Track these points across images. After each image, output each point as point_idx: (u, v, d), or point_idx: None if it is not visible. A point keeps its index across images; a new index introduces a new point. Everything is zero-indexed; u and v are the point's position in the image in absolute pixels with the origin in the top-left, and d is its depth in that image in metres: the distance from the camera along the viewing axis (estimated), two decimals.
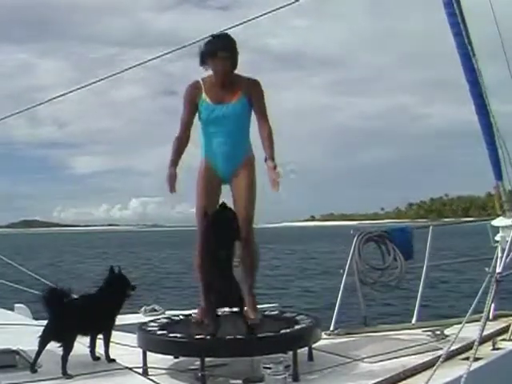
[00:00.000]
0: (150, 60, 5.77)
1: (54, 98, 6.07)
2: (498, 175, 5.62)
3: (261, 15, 5.28)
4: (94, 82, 5.82)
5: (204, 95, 4.52)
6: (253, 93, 4.55)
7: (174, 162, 4.53)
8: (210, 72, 4.59)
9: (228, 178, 4.57)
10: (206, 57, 4.53)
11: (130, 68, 5.75)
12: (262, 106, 4.59)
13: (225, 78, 4.53)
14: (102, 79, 5.81)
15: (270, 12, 5.27)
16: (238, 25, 5.24)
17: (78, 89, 5.85)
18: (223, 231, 4.13)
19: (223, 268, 4.13)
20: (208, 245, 4.20)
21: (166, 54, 5.69)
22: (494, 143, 5.45)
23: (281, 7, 5.18)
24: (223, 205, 4.30)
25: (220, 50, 4.47)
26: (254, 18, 5.32)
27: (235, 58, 4.55)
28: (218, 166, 4.55)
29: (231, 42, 4.55)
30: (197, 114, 4.60)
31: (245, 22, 5.30)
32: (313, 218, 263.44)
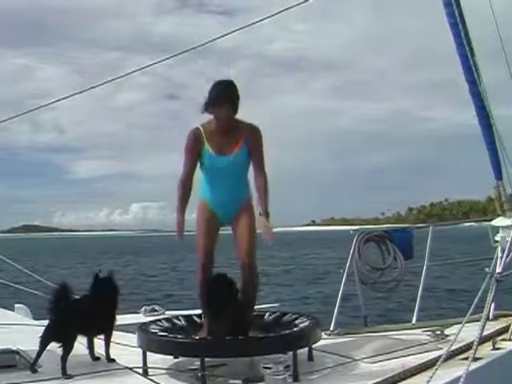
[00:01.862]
0: (150, 65, 5.77)
1: (55, 102, 6.07)
2: (498, 175, 5.62)
3: (264, 18, 5.26)
4: (96, 86, 5.82)
5: (206, 145, 4.53)
6: (252, 141, 4.55)
7: (182, 209, 4.58)
8: (210, 117, 4.59)
9: (228, 222, 4.61)
10: (210, 105, 4.51)
11: (131, 73, 5.75)
12: (260, 155, 4.59)
13: (227, 126, 4.54)
14: (103, 83, 5.81)
15: (274, 15, 5.24)
16: (240, 29, 5.27)
17: (79, 93, 5.85)
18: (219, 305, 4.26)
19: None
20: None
21: (167, 59, 5.68)
22: (493, 143, 5.46)
23: (286, 8, 5.15)
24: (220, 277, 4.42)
25: (224, 98, 4.47)
26: (257, 22, 5.30)
27: (237, 104, 4.56)
28: (219, 211, 4.58)
29: (234, 89, 4.55)
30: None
31: (248, 26, 5.30)
32: (313, 223, 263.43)
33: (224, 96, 4.48)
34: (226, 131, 4.54)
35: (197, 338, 4.23)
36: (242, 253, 4.47)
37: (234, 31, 5.24)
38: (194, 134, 4.58)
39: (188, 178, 4.60)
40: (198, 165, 4.60)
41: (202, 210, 4.61)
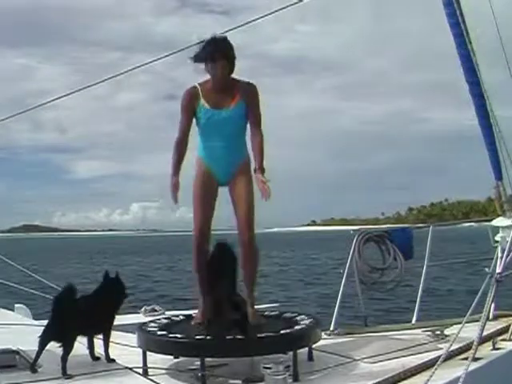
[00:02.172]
0: (149, 63, 5.77)
1: (55, 100, 6.08)
2: (498, 175, 5.62)
3: (262, 16, 5.27)
4: (95, 84, 5.82)
5: (202, 100, 4.50)
6: (250, 98, 4.53)
7: (177, 170, 4.55)
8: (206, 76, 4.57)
9: (226, 182, 4.56)
10: (203, 60, 4.49)
11: (129, 70, 5.75)
12: (257, 112, 4.57)
13: (223, 82, 4.51)
14: (101, 81, 5.81)
15: (271, 13, 5.27)
16: (239, 26, 5.25)
17: (79, 90, 5.85)
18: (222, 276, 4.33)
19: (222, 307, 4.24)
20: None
21: (165, 56, 5.69)
22: (493, 143, 5.46)
23: (282, 8, 5.17)
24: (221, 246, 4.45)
25: (218, 53, 4.44)
26: (255, 20, 5.31)
27: (233, 61, 4.53)
28: (217, 170, 4.54)
29: (229, 46, 4.52)
30: (194, 119, 4.59)
31: (246, 24, 5.30)
32: (314, 223, 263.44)
33: (220, 51, 4.44)
34: (222, 88, 4.50)
35: (197, 337, 4.23)
36: (241, 227, 4.44)
37: (232, 29, 5.24)
38: (189, 91, 4.56)
39: (184, 136, 4.57)
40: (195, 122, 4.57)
41: (199, 172, 4.58)
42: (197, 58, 4.53)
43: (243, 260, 4.49)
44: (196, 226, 4.51)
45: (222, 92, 4.51)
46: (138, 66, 5.69)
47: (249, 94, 4.53)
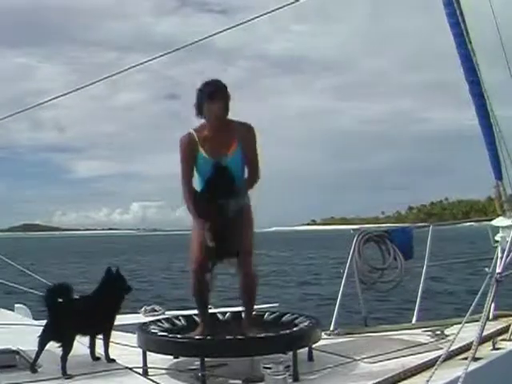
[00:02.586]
0: (147, 61, 5.75)
1: (53, 99, 6.06)
2: (498, 175, 5.62)
3: (259, 16, 5.25)
4: (92, 83, 5.81)
5: (201, 150, 4.44)
6: (246, 141, 4.49)
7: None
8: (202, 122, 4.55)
9: None
10: (203, 98, 4.43)
11: (128, 69, 5.72)
12: (253, 156, 4.54)
13: (220, 124, 4.46)
14: (100, 80, 5.80)
15: (268, 13, 5.25)
16: (237, 25, 5.24)
17: (76, 90, 5.84)
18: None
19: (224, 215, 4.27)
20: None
21: (163, 55, 5.67)
22: (494, 143, 5.46)
23: (279, 8, 5.16)
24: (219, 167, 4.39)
25: (216, 92, 4.41)
26: (252, 19, 5.29)
27: (228, 101, 4.48)
28: None
29: (224, 85, 4.49)
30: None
31: (243, 23, 5.28)
32: (314, 222, 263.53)
33: (218, 90, 4.42)
34: (218, 131, 4.46)
35: (197, 337, 4.23)
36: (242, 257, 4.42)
37: (229, 28, 5.23)
38: (187, 140, 4.49)
39: (192, 187, 4.53)
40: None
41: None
42: (198, 106, 4.47)
43: (242, 286, 4.47)
44: (195, 258, 4.46)
45: (219, 137, 4.45)
46: (136, 65, 5.67)
47: (245, 136, 4.49)
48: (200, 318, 4.57)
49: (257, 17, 5.20)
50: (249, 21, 5.21)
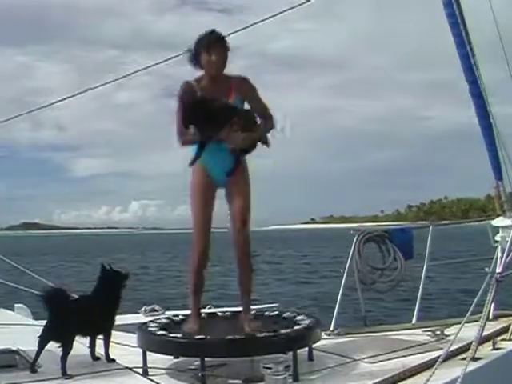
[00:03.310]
0: (153, 65, 5.76)
1: (56, 103, 6.06)
2: (498, 175, 5.62)
3: (267, 18, 5.25)
4: (97, 87, 5.81)
5: (200, 95, 4.40)
6: (246, 92, 4.46)
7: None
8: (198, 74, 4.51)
9: (223, 182, 4.48)
10: (201, 49, 4.39)
11: (134, 73, 5.74)
12: (259, 103, 4.51)
13: (219, 74, 4.43)
14: (103, 84, 5.81)
15: (276, 15, 5.24)
16: (242, 29, 5.25)
17: (80, 93, 5.84)
18: None
19: None
20: None
21: (171, 58, 5.65)
22: (493, 143, 5.46)
23: (290, 8, 5.14)
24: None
25: (217, 40, 4.38)
26: (260, 21, 5.29)
27: (226, 53, 4.45)
28: (215, 171, 4.45)
29: (222, 37, 4.46)
30: None
31: (249, 26, 5.29)
32: (313, 221, 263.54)
33: (216, 41, 4.39)
34: (216, 82, 4.42)
35: (196, 337, 4.23)
36: (236, 225, 4.38)
37: (236, 31, 5.21)
38: (185, 86, 4.46)
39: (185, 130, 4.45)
40: None
41: (196, 174, 4.49)
42: (196, 53, 4.44)
43: (238, 262, 4.43)
44: (197, 247, 4.43)
45: (217, 87, 4.42)
46: (143, 69, 5.67)
47: (244, 87, 4.46)
48: (194, 311, 4.54)
49: (266, 18, 5.19)
50: (257, 23, 5.21)
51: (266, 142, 4.49)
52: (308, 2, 5.13)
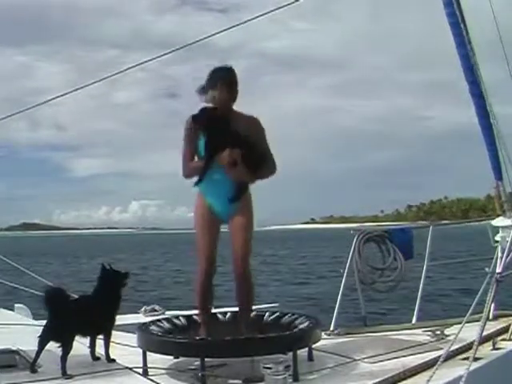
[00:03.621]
0: (147, 61, 5.74)
1: (52, 99, 6.05)
2: (498, 175, 5.62)
3: (259, 15, 5.24)
4: (92, 83, 5.80)
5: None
6: (253, 133, 4.44)
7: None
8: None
9: (226, 217, 4.47)
10: (212, 83, 4.41)
11: (128, 69, 5.72)
12: (263, 143, 4.51)
13: (223, 109, 4.43)
14: (100, 80, 5.79)
15: (268, 13, 5.23)
16: (237, 25, 5.23)
17: (77, 89, 5.83)
18: None
19: None
20: None
21: (164, 55, 5.66)
22: (494, 143, 5.46)
23: (279, 8, 5.15)
24: None
25: (220, 81, 4.39)
26: (252, 19, 5.28)
27: (235, 89, 4.47)
28: (217, 206, 4.46)
29: (232, 74, 4.47)
30: None
31: (243, 23, 5.28)
32: (313, 221, 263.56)
33: (221, 78, 4.40)
34: (224, 116, 4.41)
35: (196, 337, 4.24)
36: (237, 261, 4.39)
37: (228, 28, 5.22)
38: (191, 121, 4.47)
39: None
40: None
41: (200, 206, 4.51)
42: (201, 90, 4.46)
43: (238, 293, 4.46)
44: (201, 267, 4.43)
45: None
46: (136, 65, 5.66)
47: (251, 128, 4.44)
48: (202, 319, 4.56)
49: (257, 16, 5.19)
50: (249, 20, 5.21)
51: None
52: (296, 2, 5.12)
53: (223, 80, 4.40)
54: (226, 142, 4.34)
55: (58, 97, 5.94)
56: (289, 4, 5.07)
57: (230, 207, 4.43)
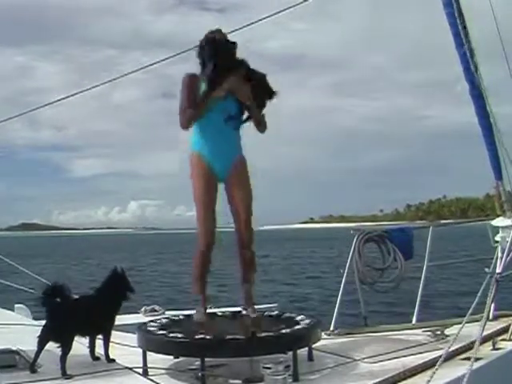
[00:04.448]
0: (151, 64, 5.75)
1: (54, 102, 6.05)
2: (498, 175, 5.62)
3: (264, 18, 5.24)
4: (95, 86, 5.80)
5: (203, 85, 4.38)
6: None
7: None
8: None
9: (224, 176, 4.45)
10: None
11: (131, 73, 5.73)
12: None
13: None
14: (103, 83, 5.80)
15: (273, 14, 5.24)
16: (239, 29, 5.23)
17: (78, 93, 5.83)
18: None
19: None
20: None
21: (169, 58, 5.65)
22: (493, 143, 5.46)
23: (285, 9, 5.15)
24: None
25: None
26: (257, 21, 5.29)
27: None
28: (218, 165, 4.42)
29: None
30: None
31: (247, 26, 5.28)
32: (312, 220, 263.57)
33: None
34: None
35: (196, 337, 4.24)
36: (240, 210, 4.39)
37: (233, 31, 5.22)
38: (190, 75, 4.46)
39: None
40: None
41: (197, 166, 4.44)
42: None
43: (242, 260, 4.48)
44: (202, 237, 4.41)
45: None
46: (140, 69, 5.66)
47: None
48: (202, 299, 4.56)
49: (263, 18, 5.19)
50: (254, 23, 5.21)
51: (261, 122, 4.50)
52: (305, 2, 5.12)
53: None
54: (234, 66, 4.34)
55: (61, 99, 5.94)
56: (297, 5, 5.06)
57: (231, 163, 4.41)
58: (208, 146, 4.41)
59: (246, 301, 4.53)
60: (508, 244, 5.06)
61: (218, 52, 4.33)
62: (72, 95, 5.79)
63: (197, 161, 4.44)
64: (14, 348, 4.48)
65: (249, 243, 4.44)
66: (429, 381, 3.50)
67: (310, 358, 4.36)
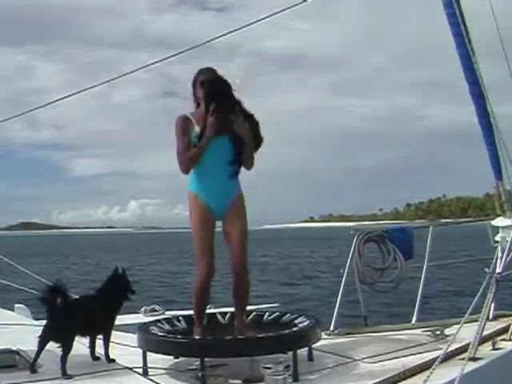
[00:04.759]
0: (152, 64, 5.74)
1: (53, 102, 6.04)
2: (498, 175, 5.62)
3: (264, 18, 5.23)
4: (95, 86, 5.79)
5: (196, 128, 4.39)
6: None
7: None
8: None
9: (222, 215, 4.45)
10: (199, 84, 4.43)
11: (131, 72, 5.71)
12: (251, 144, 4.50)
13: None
14: (103, 83, 5.79)
15: (272, 15, 5.22)
16: (240, 28, 5.22)
17: (78, 92, 5.82)
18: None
19: None
20: None
21: (169, 57, 5.64)
22: (493, 143, 5.46)
23: (284, 9, 5.14)
24: None
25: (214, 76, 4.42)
26: (257, 21, 5.26)
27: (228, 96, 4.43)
28: (215, 205, 4.43)
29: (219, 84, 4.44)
30: None
31: (246, 26, 5.27)
32: (312, 219, 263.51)
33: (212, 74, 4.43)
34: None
35: (196, 337, 4.24)
36: (235, 257, 4.39)
37: (233, 30, 5.22)
38: (182, 117, 4.45)
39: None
40: None
41: (196, 206, 4.45)
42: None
43: (236, 289, 4.46)
44: (202, 271, 4.40)
45: None
46: (141, 68, 5.65)
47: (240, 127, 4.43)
48: (199, 318, 4.53)
49: (263, 18, 5.18)
50: (254, 23, 5.20)
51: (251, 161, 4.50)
52: (305, 2, 5.11)
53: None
54: (232, 109, 4.34)
55: (61, 99, 5.93)
56: (296, 5, 5.05)
57: (228, 204, 4.41)
58: (205, 192, 4.44)
59: (238, 331, 4.50)
60: (508, 244, 5.05)
61: (219, 94, 4.35)
62: (72, 95, 5.78)
63: (194, 201, 4.47)
64: (14, 348, 4.48)
65: (244, 273, 4.43)
66: (426, 381, 3.50)
67: (310, 358, 4.36)
